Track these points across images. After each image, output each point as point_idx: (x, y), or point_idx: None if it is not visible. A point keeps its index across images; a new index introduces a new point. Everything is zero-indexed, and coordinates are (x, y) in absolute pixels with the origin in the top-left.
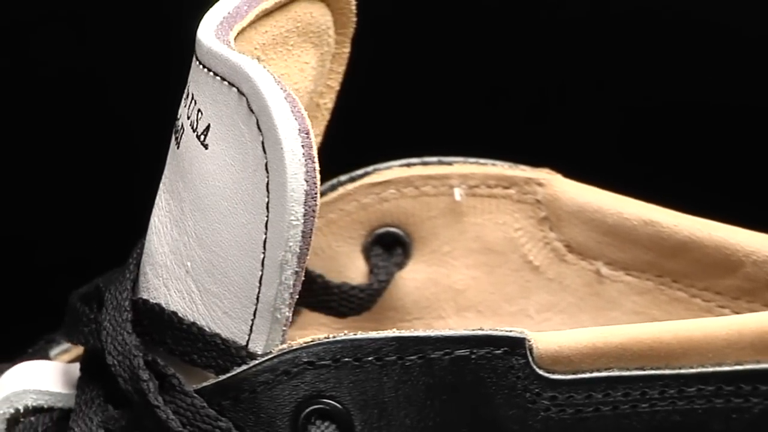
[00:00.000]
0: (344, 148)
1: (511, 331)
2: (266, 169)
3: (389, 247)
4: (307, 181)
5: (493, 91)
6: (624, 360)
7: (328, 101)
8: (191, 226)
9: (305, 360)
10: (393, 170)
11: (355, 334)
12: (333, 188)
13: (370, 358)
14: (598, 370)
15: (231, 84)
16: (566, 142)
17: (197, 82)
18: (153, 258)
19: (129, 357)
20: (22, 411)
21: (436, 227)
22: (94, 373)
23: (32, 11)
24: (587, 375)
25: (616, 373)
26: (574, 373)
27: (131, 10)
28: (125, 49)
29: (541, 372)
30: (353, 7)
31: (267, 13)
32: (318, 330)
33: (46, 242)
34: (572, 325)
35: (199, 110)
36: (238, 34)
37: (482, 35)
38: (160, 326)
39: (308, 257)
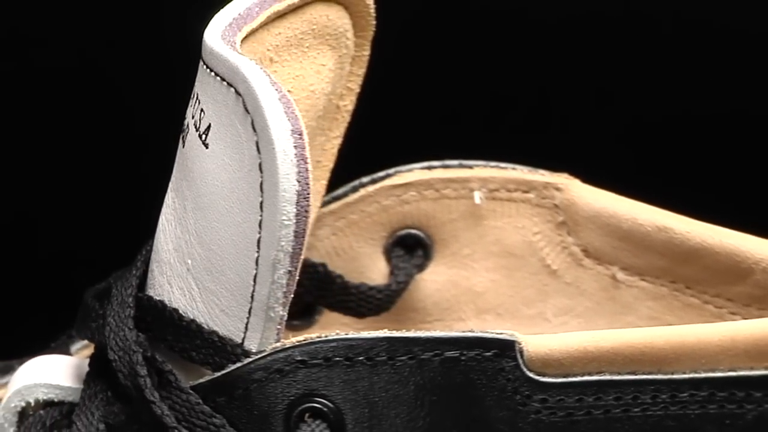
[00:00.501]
0: (367, 150)
1: (501, 333)
2: (260, 168)
3: (410, 248)
4: (299, 182)
5: (514, 94)
6: (616, 364)
7: (348, 103)
8: (192, 224)
9: (298, 359)
10: (414, 173)
11: (346, 334)
12: (354, 190)
13: (360, 358)
14: (589, 374)
15: (230, 84)
16: (585, 147)
17: (202, 82)
18: (159, 255)
19: (129, 352)
20: (32, 404)
21: (457, 230)
22: (100, 368)
23: (45, 14)
24: (578, 378)
25: (607, 377)
26: (564, 377)
27: (143, 12)
28: (142, 52)
29: (531, 375)
30: (372, 11)
31: (280, 15)
32: (340, 330)
33: (63, 241)
34: (588, 329)
35: (201, 110)
36: (249, 35)
37: (507, 38)
38: (162, 323)
39: (332, 258)
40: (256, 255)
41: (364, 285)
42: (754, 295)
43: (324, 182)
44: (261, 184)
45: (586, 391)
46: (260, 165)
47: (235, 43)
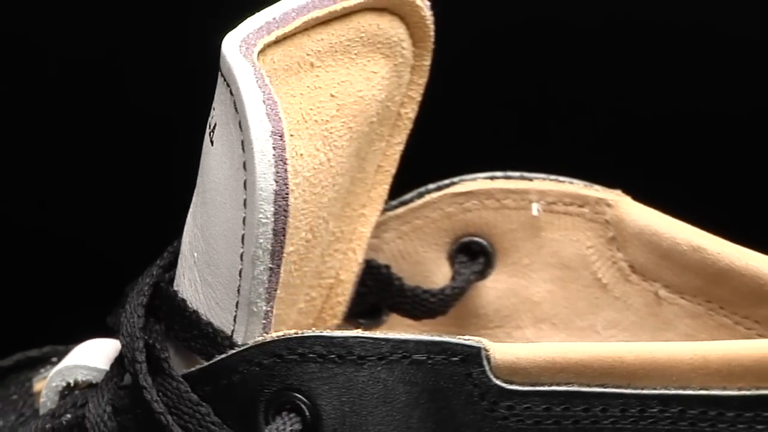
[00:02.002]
0: (442, 157)
1: (468, 339)
2: (244, 167)
3: (474, 255)
4: (276, 182)
5: (575, 104)
6: (585, 376)
7: (410, 111)
8: (199, 219)
9: (276, 353)
10: (477, 182)
11: (321, 332)
12: (420, 196)
13: (333, 356)
14: (558, 384)
15: (228, 84)
16: (640, 164)
17: (218, 83)
18: (181, 247)
19: (134, 338)
20: (72, 384)
21: (517, 240)
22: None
23: (77, 20)
24: (545, 388)
25: (575, 388)
26: (532, 385)
27: (177, 17)
28: (176, 51)
29: (497, 382)
30: (429, 21)
31: (322, 22)
32: (404, 332)
33: (130, 239)
34: None
35: (213, 108)
36: (285, 39)
37: (576, 47)
38: (172, 312)
39: (397, 261)
40: (241, 250)
41: (419, 288)
42: None
43: (386, 186)
44: (245, 182)
45: (553, 400)
46: (244, 164)
47: (253, 46)
